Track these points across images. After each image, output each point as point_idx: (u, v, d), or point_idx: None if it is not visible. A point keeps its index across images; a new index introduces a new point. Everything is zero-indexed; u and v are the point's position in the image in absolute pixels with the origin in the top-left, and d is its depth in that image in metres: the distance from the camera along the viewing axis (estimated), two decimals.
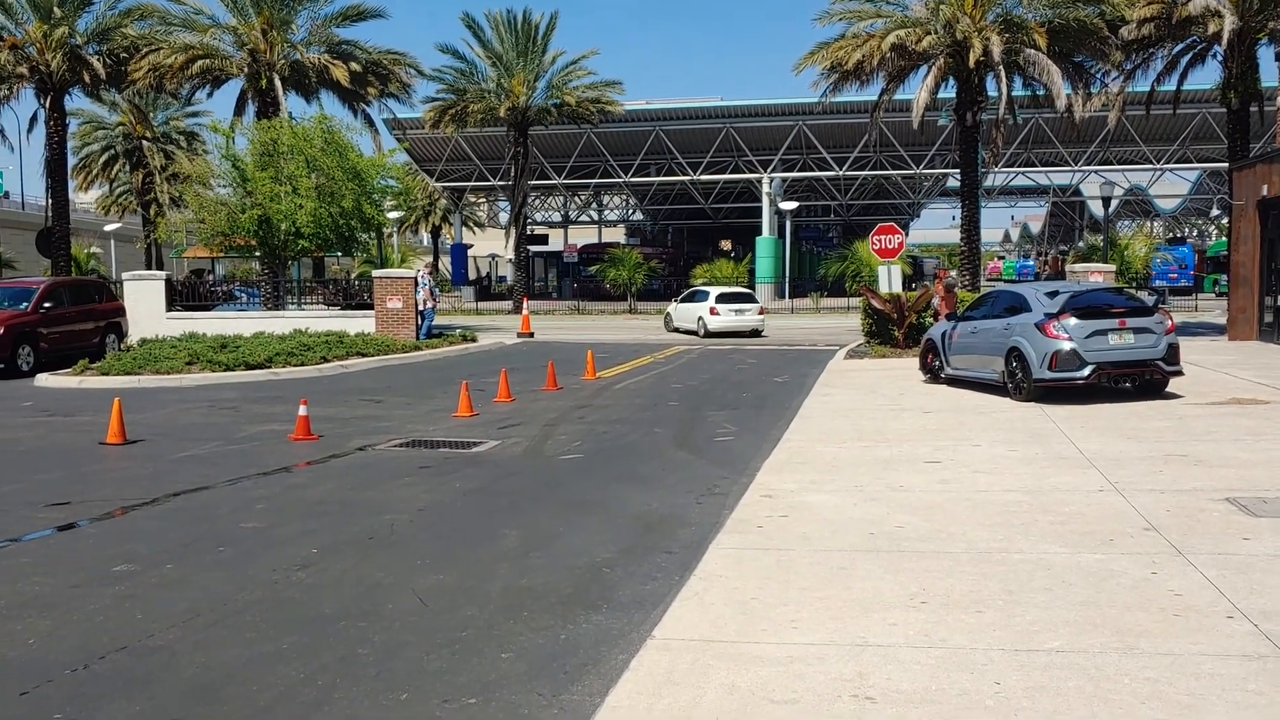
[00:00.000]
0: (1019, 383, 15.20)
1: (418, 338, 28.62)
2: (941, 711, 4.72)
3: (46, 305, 23.77)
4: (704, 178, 59.42)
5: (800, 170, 58.00)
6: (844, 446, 11.76)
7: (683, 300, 35.50)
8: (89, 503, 9.96)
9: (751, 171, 57.77)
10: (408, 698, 5.24)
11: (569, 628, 6.22)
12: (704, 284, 39.55)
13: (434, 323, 31.37)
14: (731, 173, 58.66)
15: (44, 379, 21.23)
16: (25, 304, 23.43)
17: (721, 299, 32.89)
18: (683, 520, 8.88)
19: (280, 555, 7.97)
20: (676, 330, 34.53)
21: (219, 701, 5.24)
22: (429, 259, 41.03)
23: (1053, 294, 15.48)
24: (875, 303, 24.61)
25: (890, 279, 24.45)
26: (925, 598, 6.33)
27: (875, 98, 34.66)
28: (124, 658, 5.86)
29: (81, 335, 24.53)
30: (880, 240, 25.52)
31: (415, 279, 29.65)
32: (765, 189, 57.35)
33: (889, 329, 24.49)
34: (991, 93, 32.70)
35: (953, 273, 33.78)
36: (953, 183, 60.98)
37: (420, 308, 29.55)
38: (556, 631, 6.16)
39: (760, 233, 57.50)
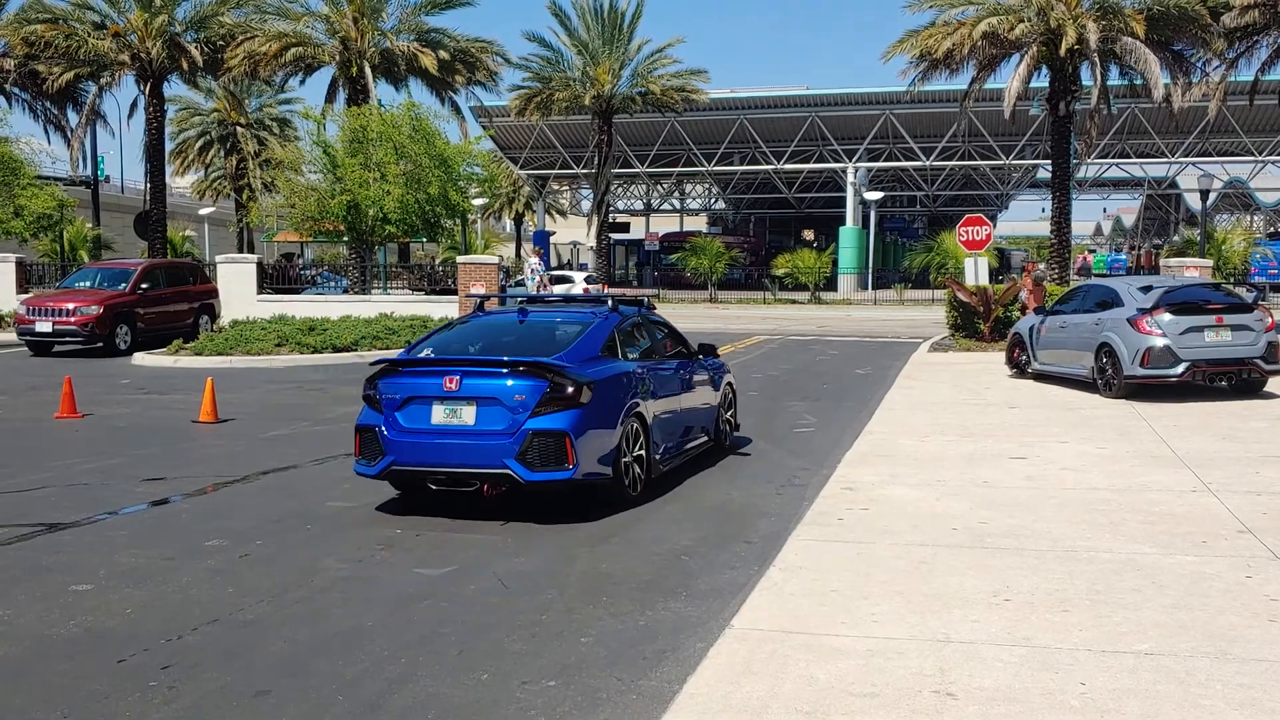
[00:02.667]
0: (1109, 379, 14.87)
1: None
2: (1025, 711, 4.66)
3: (144, 286, 24.48)
4: (788, 167, 58.98)
5: (886, 160, 57.27)
6: (926, 440, 11.61)
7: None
8: (183, 479, 10.25)
9: (836, 161, 57.18)
10: (488, 678, 5.31)
11: (647, 614, 6.25)
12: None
13: None
14: (816, 162, 58.13)
15: (140, 358, 21.88)
16: (123, 285, 24.17)
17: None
18: (762, 510, 8.86)
19: (365, 534, 8.13)
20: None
21: (306, 674, 5.36)
22: (534, 247, 41.31)
23: (1146, 288, 15.10)
24: (961, 295, 24.23)
25: (977, 271, 24.03)
26: (1009, 595, 6.24)
27: (965, 87, 34.07)
28: (216, 630, 6.04)
29: (176, 316, 25.21)
30: (967, 232, 25.12)
31: (532, 267, 30.16)
32: (850, 179, 56.76)
33: (974, 322, 24.09)
34: (1086, 82, 31.93)
35: (1041, 266, 33.08)
36: (1043, 174, 59.66)
37: (535, 294, 30.03)
38: (635, 617, 6.19)
39: (844, 223, 56.93)
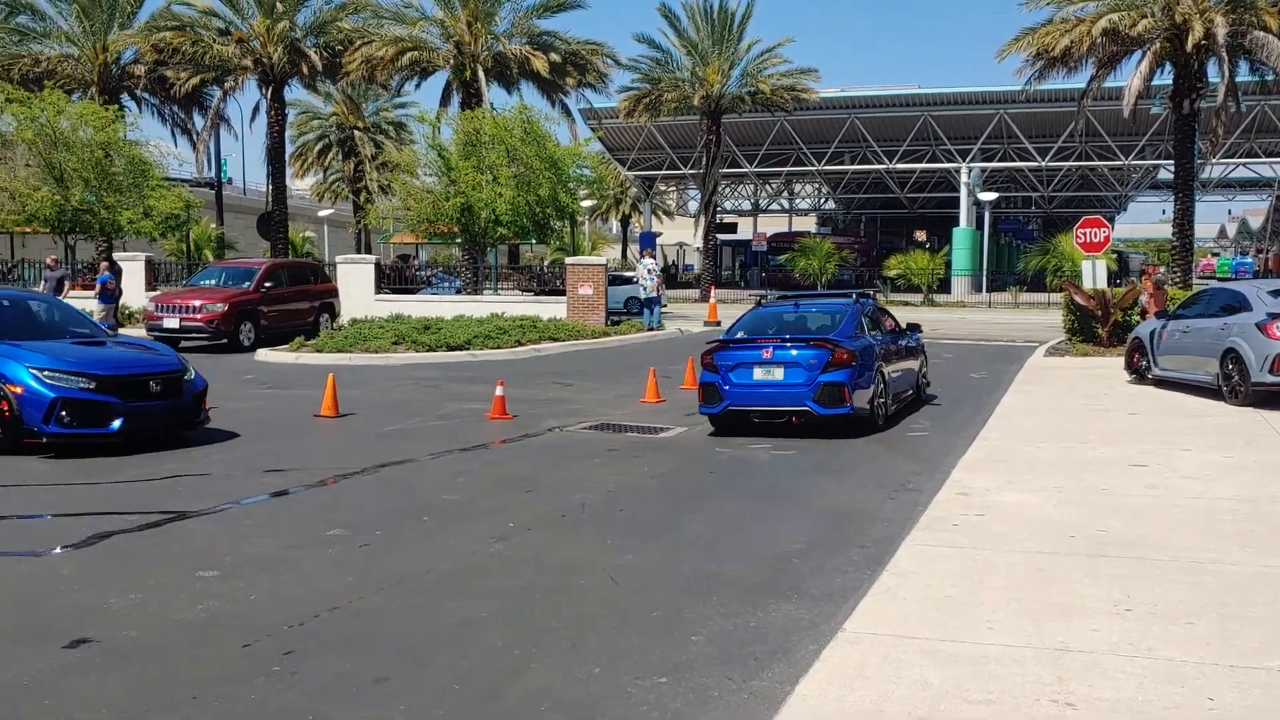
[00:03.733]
0: (1235, 386, 14.31)
1: (647, 326, 29.27)
2: None
3: (267, 285, 25.27)
4: (899, 167, 58.15)
5: (1000, 160, 56.04)
6: (1043, 446, 11.35)
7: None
8: (305, 470, 10.58)
9: (949, 161, 56.18)
10: (600, 672, 5.37)
11: (759, 615, 6.24)
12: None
13: (619, 309, 32.00)
14: (928, 162, 57.19)
15: (263, 354, 22.61)
16: (248, 283, 24.99)
17: None
18: (875, 515, 8.77)
19: (479, 528, 8.29)
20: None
21: (422, 664, 5.49)
22: (647, 249, 41.51)
23: (1276, 292, 14.50)
24: (1078, 299, 23.60)
25: (1094, 274, 23.38)
26: (1130, 605, 6.06)
27: (1083, 85, 33.21)
28: (336, 617, 6.21)
29: (298, 314, 25.95)
30: (1085, 234, 24.46)
31: (648, 268, 30.37)
32: (963, 179, 55.70)
33: (1092, 326, 23.44)
34: (1212, 78, 30.81)
35: (1162, 269, 32.05)
36: (1164, 174, 57.74)
37: (653, 294, 30.19)
38: (746, 618, 6.19)
39: (957, 223, 55.89)
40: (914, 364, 15.40)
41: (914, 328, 15.89)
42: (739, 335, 13.62)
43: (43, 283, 27.08)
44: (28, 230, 33.70)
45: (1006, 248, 69.10)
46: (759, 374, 12.69)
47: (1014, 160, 56.03)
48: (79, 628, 5.95)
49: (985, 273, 54.16)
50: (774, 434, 12.68)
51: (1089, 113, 38.33)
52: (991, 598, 6.25)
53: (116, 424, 11.27)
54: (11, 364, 11.10)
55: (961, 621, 5.84)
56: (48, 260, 28.47)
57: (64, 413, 10.96)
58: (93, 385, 11.22)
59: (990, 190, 55.98)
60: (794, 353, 12.64)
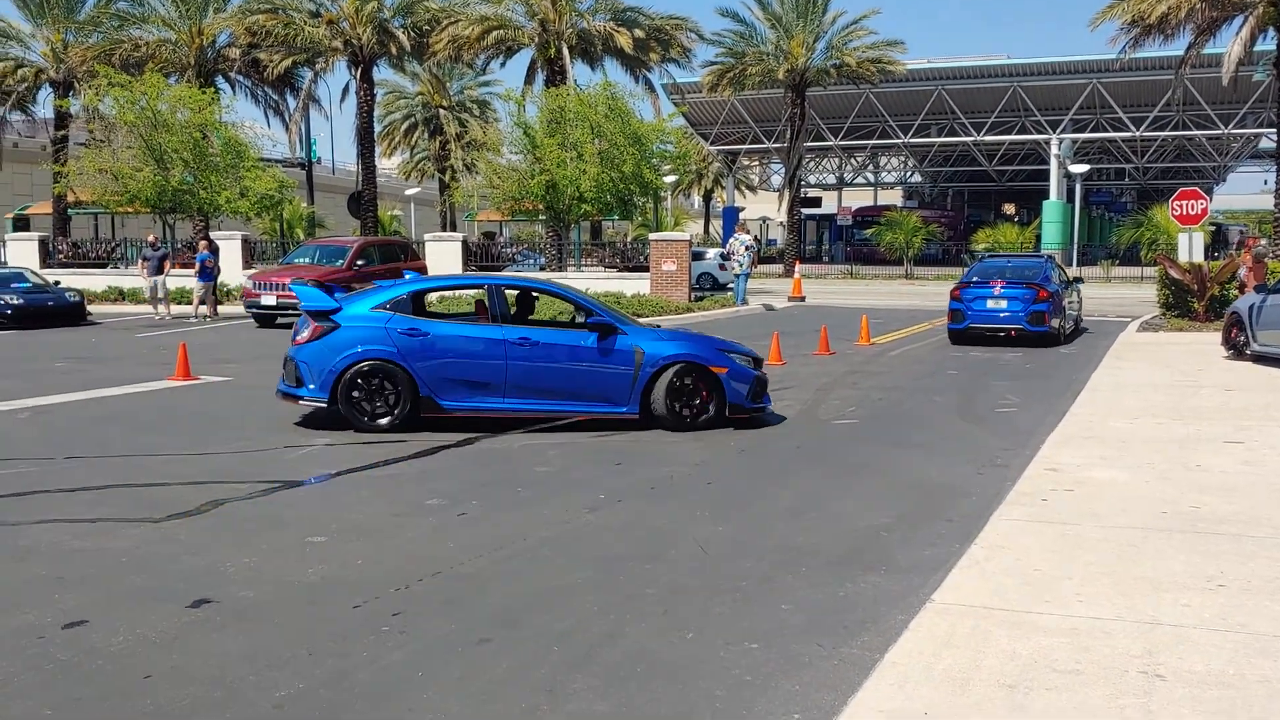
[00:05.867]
0: None
1: (736, 301, 29.47)
2: (1239, 696, 4.56)
3: (359, 263, 25.87)
4: (987, 139, 57.18)
5: (1093, 131, 54.81)
6: (1136, 422, 11.23)
7: None
8: (404, 442, 10.90)
9: (1039, 132, 55.05)
10: (693, 638, 5.54)
11: (846, 586, 6.36)
12: None
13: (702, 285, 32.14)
14: (1017, 133, 56.14)
15: None
16: (340, 261, 25.62)
17: None
18: (963, 490, 8.80)
19: (571, 498, 8.52)
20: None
21: (521, 626, 5.72)
22: (741, 222, 41.33)
23: None
24: (1173, 272, 23.10)
25: (1190, 247, 22.86)
26: (1223, 581, 6.06)
27: (1180, 52, 32.34)
28: (439, 581, 6.48)
29: None
30: (1181, 206, 23.90)
31: (745, 244, 30.49)
32: (1054, 150, 54.56)
33: (1187, 301, 22.94)
34: None
35: (1263, 241, 31.15)
36: (1266, 144, 55.86)
37: (747, 270, 30.32)
38: (834, 589, 6.31)
39: (1047, 196, 54.84)
40: (1078, 302, 22.34)
41: (1078, 279, 23.53)
42: (974, 279, 20.63)
43: (142, 261, 28.04)
44: (129, 210, 34.83)
45: (1098, 221, 67.62)
46: (990, 304, 19.76)
47: (1107, 131, 54.73)
48: (199, 589, 6.30)
49: (1076, 246, 53.08)
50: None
51: (1186, 81, 37.37)
52: (1081, 572, 6.28)
53: None
54: None
55: (1050, 594, 5.89)
56: (149, 239, 29.49)
57: None
58: None
59: (1082, 162, 54.80)
60: (1014, 290, 19.69)
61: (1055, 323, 19.59)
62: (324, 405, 11.10)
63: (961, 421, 12.19)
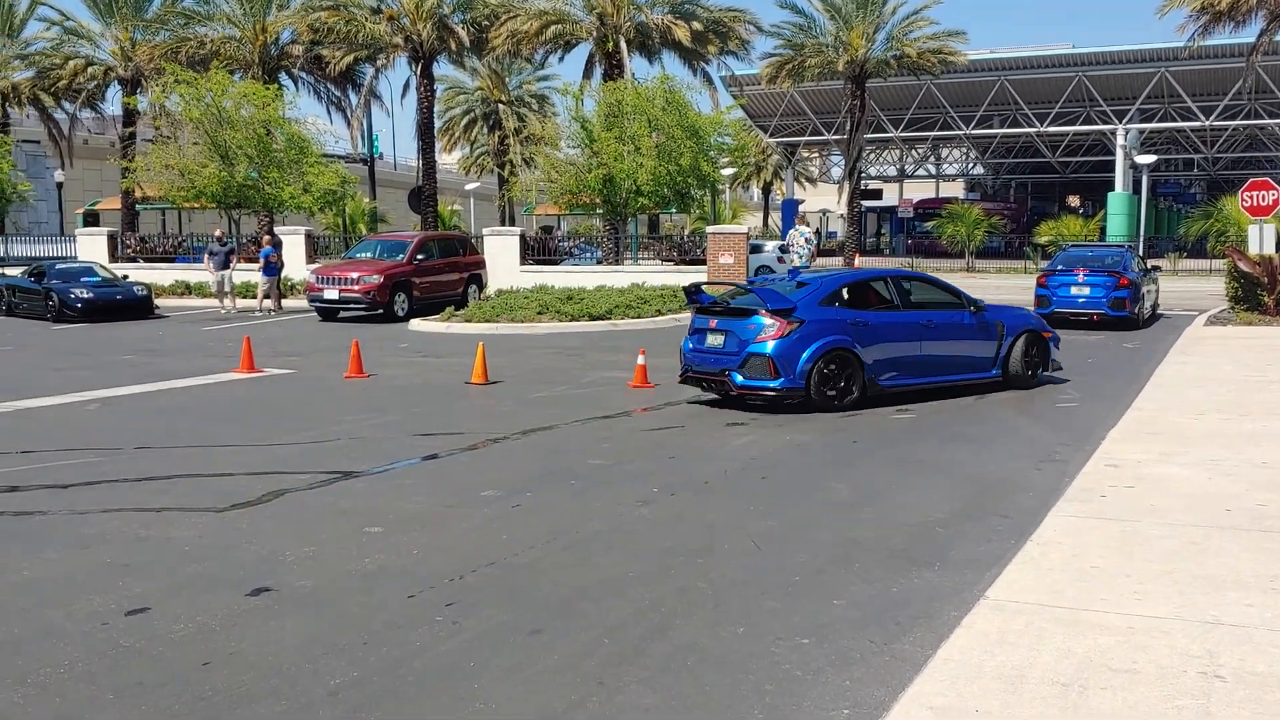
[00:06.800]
0: None
1: None
2: None
3: (419, 257, 26.12)
4: (1051, 130, 56.21)
5: (1160, 121, 53.65)
6: (1200, 418, 11.00)
7: None
8: (459, 434, 11.03)
9: (1104, 122, 54.01)
10: (744, 632, 5.54)
11: (900, 581, 6.31)
12: None
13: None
14: (1082, 124, 55.10)
15: (416, 324, 23.43)
16: (401, 255, 25.87)
17: None
18: (1020, 485, 8.70)
19: (624, 491, 8.55)
20: None
21: (574, 617, 5.77)
22: (801, 215, 41.15)
23: None
24: (1243, 265, 22.56)
25: (1261, 239, 22.35)
26: None
27: (1252, 40, 31.55)
28: (492, 571, 6.55)
29: (448, 285, 26.75)
30: (1251, 196, 23.35)
31: (806, 236, 30.42)
32: (1120, 141, 53.51)
33: (1257, 294, 22.39)
34: None
35: None
36: None
37: (806, 263, 30.20)
38: (887, 584, 6.27)
39: (1112, 188, 53.79)
40: (1155, 290, 23.59)
41: (1155, 267, 24.56)
42: (1058, 267, 21.96)
43: (208, 255, 28.55)
44: (195, 206, 35.45)
45: (1165, 212, 66.27)
46: (1074, 290, 20.88)
47: (1175, 120, 53.58)
48: (259, 577, 6.43)
49: (1143, 239, 52.01)
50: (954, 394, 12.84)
51: (1258, 68, 36.45)
52: (1140, 569, 6.18)
53: None
54: None
55: (1108, 592, 5.81)
56: (215, 234, 30.01)
57: None
58: None
59: (1148, 152, 53.63)
60: (1096, 278, 20.98)
61: (1135, 308, 20.95)
62: (797, 393, 12.09)
63: (1020, 416, 12.03)
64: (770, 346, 12.05)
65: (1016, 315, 14.26)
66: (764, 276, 30.67)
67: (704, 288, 13.74)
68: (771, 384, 12.09)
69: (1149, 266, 23.72)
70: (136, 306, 25.97)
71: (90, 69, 42.42)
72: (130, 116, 42.09)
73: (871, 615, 5.76)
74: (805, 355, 12.04)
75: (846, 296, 13.06)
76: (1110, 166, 55.34)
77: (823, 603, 5.97)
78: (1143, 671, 4.77)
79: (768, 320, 12.18)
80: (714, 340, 12.62)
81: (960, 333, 13.34)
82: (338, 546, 7.08)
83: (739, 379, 12.22)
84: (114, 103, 44.51)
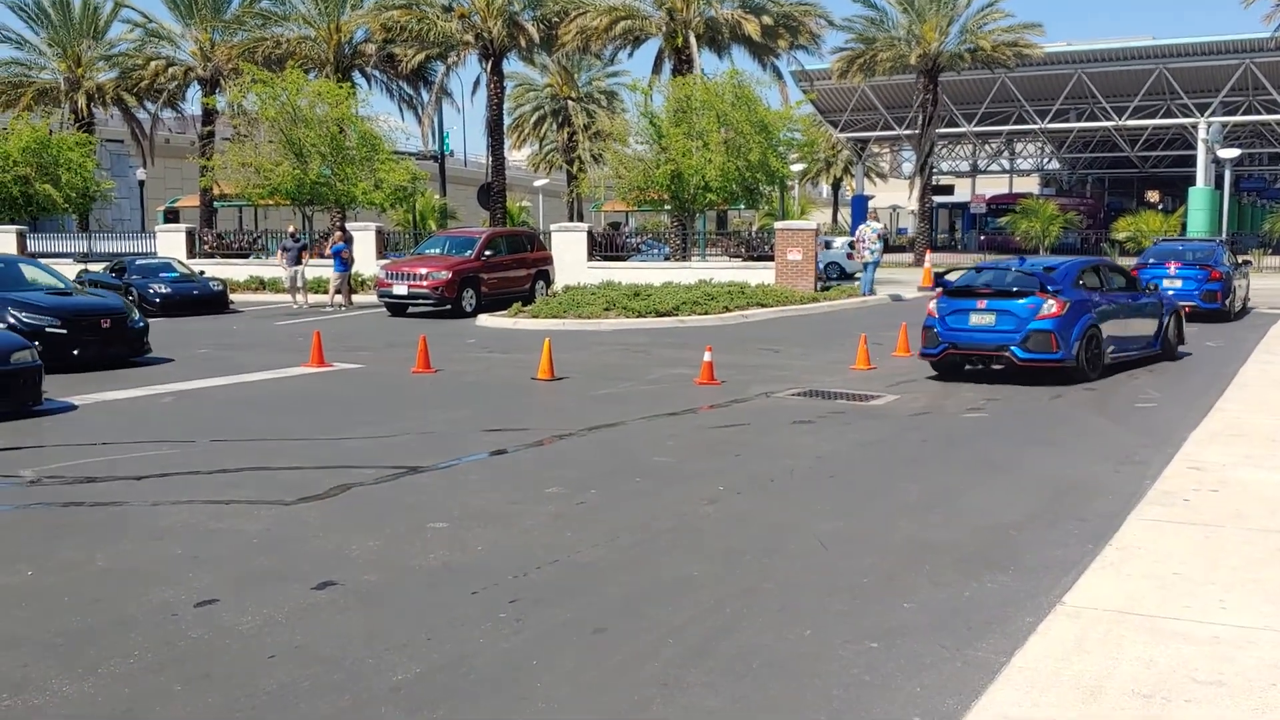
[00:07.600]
0: None
1: (863, 291, 28.89)
2: None
3: (487, 253, 26.26)
4: (1130, 123, 54.93)
5: (1245, 114, 52.14)
6: None
7: None
8: (525, 430, 11.03)
9: (1186, 116, 52.65)
10: (810, 634, 5.43)
11: (972, 585, 6.15)
12: None
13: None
14: (1162, 117, 53.77)
15: (484, 319, 23.56)
16: (469, 252, 26.04)
17: None
18: (1098, 488, 8.45)
19: (689, 489, 8.46)
20: None
21: (637, 617, 5.70)
22: (873, 210, 40.63)
23: None
24: None
25: None
26: None
27: None
28: (556, 570, 6.50)
29: (515, 281, 26.85)
30: None
31: (877, 232, 29.88)
32: (1201, 135, 52.10)
33: None
34: None
35: None
36: None
37: (875, 259, 29.69)
38: (959, 588, 6.11)
39: (1193, 183, 52.39)
40: (1246, 284, 23.98)
41: (1246, 262, 25.24)
42: (1150, 260, 22.31)
43: (281, 251, 28.97)
44: (270, 203, 36.05)
45: (1249, 208, 64.45)
46: (1166, 284, 19.42)
47: (1260, 114, 52.00)
48: (325, 571, 6.46)
49: (1225, 235, 50.63)
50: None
51: None
52: (1225, 577, 5.95)
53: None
54: None
55: (1191, 600, 5.60)
56: (289, 230, 30.45)
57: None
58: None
59: (1232, 147, 52.17)
60: (1188, 271, 21.27)
61: (1226, 301, 21.40)
62: (1069, 364, 13.59)
63: (1098, 416, 11.72)
64: (1052, 323, 13.46)
65: (1165, 298, 16.24)
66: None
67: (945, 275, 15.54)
68: (1053, 356, 13.49)
69: (1239, 261, 24.18)
70: (212, 301, 26.46)
71: (171, 69, 43.37)
72: (209, 116, 42.96)
73: (943, 620, 5.62)
74: (1076, 330, 13.58)
75: (1082, 281, 14.48)
76: (1190, 161, 53.93)
77: (892, 606, 5.83)
78: (1229, 684, 4.57)
79: (1047, 300, 13.51)
80: (982, 319, 13.83)
81: (1144, 311, 15.31)
82: (402, 541, 7.09)
83: (1021, 353, 13.53)
84: (194, 102, 45.51)
